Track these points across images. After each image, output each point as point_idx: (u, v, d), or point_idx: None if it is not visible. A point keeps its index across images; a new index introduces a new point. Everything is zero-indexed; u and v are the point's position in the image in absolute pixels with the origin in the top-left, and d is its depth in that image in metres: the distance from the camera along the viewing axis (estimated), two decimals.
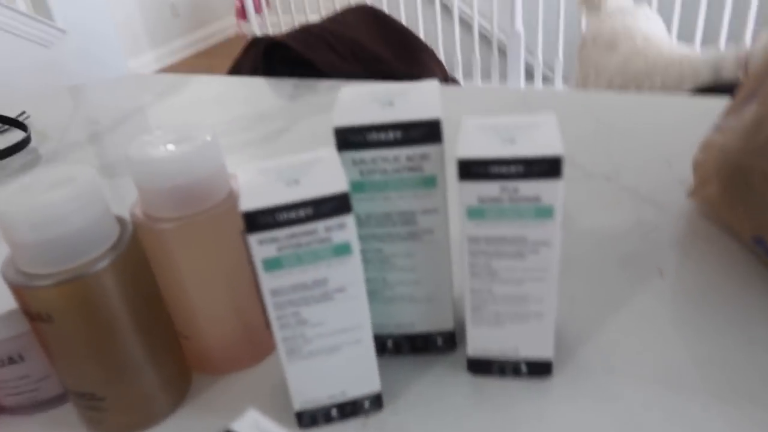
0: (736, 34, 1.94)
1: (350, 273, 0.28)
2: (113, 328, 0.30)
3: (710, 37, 1.99)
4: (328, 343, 0.29)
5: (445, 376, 0.34)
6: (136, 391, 0.32)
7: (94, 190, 0.29)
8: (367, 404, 0.32)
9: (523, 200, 0.28)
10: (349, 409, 0.32)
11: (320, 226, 0.26)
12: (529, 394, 0.32)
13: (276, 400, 0.33)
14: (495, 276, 0.30)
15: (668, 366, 0.33)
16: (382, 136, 0.29)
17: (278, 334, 0.29)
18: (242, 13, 3.48)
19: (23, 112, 0.85)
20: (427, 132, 0.29)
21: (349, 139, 0.29)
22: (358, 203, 0.31)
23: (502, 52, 2.48)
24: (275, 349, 0.35)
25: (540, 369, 0.33)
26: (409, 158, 0.29)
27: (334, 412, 0.31)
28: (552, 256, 0.29)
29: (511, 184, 0.27)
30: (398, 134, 0.29)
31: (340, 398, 0.31)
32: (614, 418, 0.30)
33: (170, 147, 0.31)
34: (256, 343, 0.37)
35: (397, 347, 0.36)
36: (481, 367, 0.34)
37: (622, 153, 0.56)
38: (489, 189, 0.28)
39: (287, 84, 0.85)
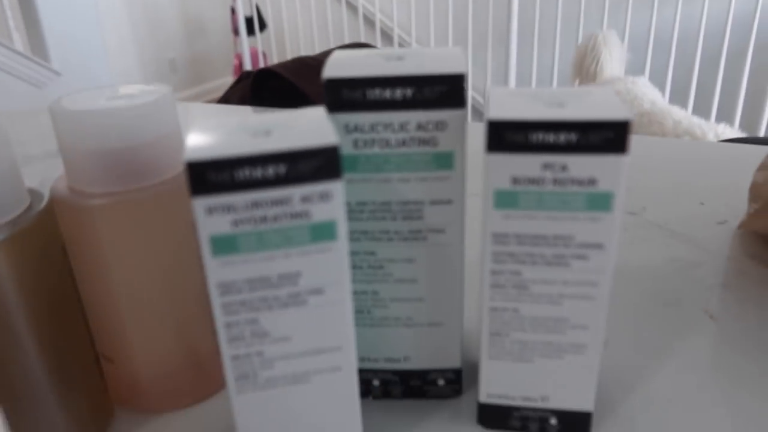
0: (727, 105, 1.95)
1: (332, 268, 0.20)
2: (2, 336, 0.22)
3: (703, 106, 1.99)
4: (294, 369, 0.21)
5: (447, 430, 0.26)
6: (33, 428, 0.23)
7: None
8: None
9: (572, 183, 0.21)
10: None
11: (296, 193, 0.19)
12: None
13: None
14: (525, 290, 0.23)
15: (729, 424, 0.25)
16: (388, 93, 0.22)
17: (226, 350, 0.21)
18: (239, 71, 3.49)
19: None
20: (448, 91, 0.22)
21: (343, 95, 0.22)
22: (348, 187, 0.23)
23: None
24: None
25: (575, 424, 0.25)
26: (420, 126, 0.22)
27: None
28: (606, 265, 0.22)
29: (558, 159, 0.20)
30: (409, 91, 0.22)
31: None
32: None
33: (109, 100, 0.24)
34: (203, 372, 0.28)
35: (386, 388, 0.27)
36: (496, 418, 0.25)
37: (647, 191, 0.49)
38: (527, 165, 0.21)
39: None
